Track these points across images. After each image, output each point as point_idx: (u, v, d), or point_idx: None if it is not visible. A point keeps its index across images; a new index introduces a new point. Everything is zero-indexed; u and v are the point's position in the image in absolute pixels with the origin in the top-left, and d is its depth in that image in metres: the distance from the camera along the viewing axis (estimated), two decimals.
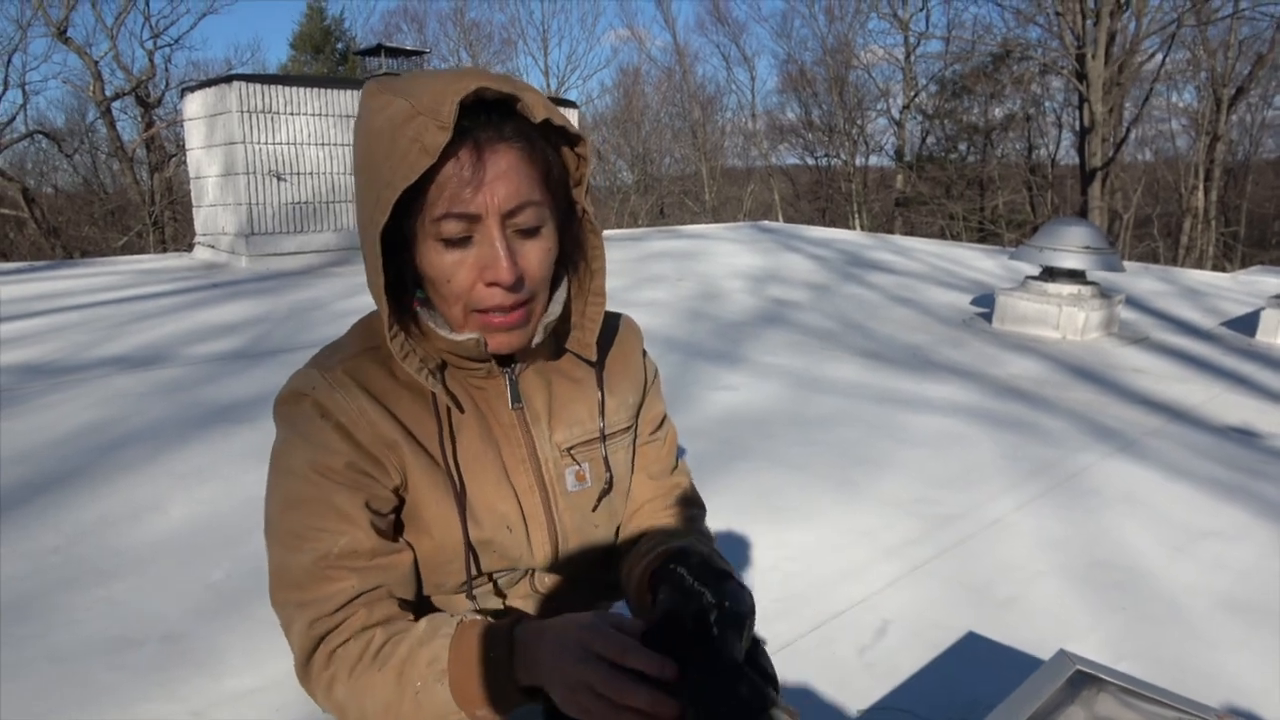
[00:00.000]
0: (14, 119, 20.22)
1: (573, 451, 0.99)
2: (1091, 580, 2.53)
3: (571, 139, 0.87)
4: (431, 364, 0.89)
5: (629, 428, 1.05)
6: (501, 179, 0.80)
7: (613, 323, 1.08)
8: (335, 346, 0.94)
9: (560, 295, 0.93)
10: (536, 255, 0.85)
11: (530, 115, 0.81)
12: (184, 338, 5.36)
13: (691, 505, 1.11)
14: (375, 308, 0.87)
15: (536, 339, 0.91)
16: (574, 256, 0.94)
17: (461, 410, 0.93)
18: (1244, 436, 3.87)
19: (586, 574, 1.04)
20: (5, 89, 21.89)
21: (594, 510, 1.01)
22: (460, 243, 0.82)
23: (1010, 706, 1.39)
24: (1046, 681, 1.46)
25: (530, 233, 0.84)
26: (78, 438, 3.54)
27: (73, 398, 4.07)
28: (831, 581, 2.48)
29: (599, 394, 1.01)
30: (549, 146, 0.85)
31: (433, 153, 0.76)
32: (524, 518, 0.95)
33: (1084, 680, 1.47)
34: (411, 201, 0.80)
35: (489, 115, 0.80)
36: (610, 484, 1.01)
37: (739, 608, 0.75)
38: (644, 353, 1.11)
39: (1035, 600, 2.40)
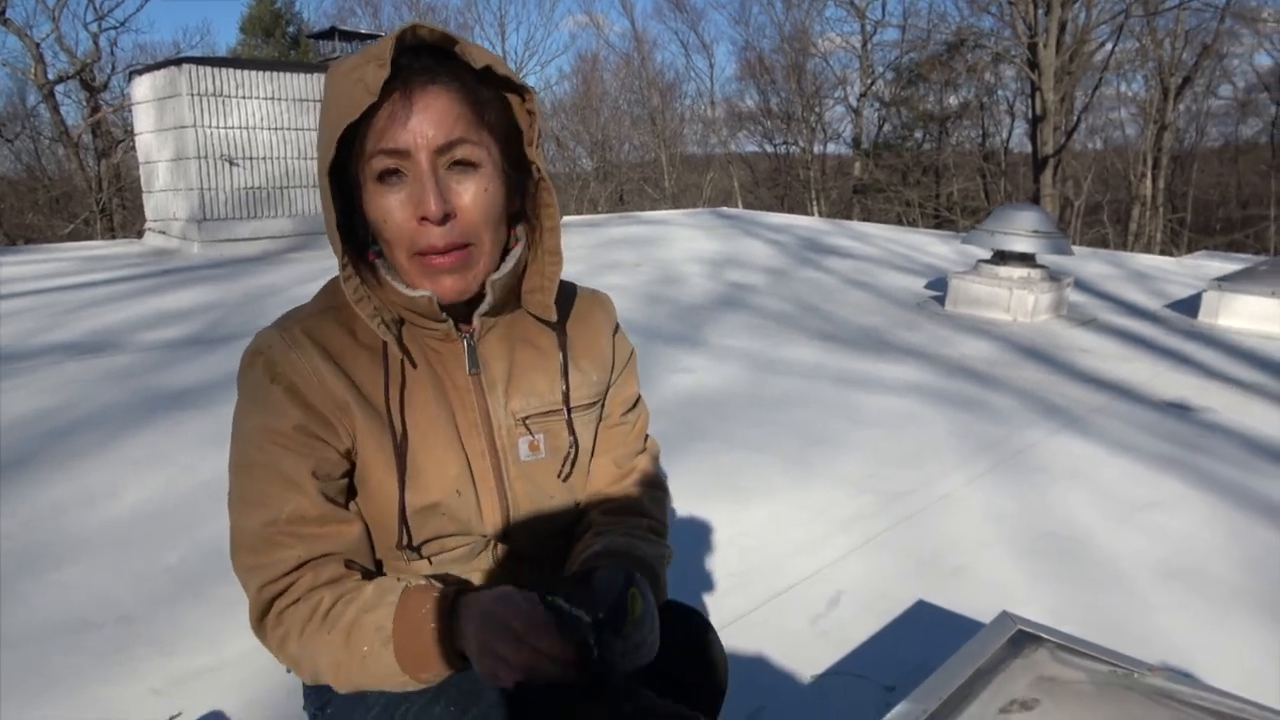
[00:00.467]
0: None
1: (528, 421, 0.99)
2: (1037, 550, 2.61)
3: (518, 89, 0.88)
4: (388, 315, 0.91)
5: (593, 404, 1.05)
6: (431, 116, 0.82)
7: (579, 294, 1.09)
8: (299, 307, 0.96)
9: (515, 253, 0.94)
10: (471, 192, 0.86)
11: (469, 60, 0.84)
12: (135, 324, 5.27)
13: (652, 487, 1.12)
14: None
15: (488, 299, 0.92)
16: (530, 217, 0.96)
17: (414, 366, 0.94)
18: (1182, 411, 4.00)
19: (548, 547, 1.05)
20: None
21: (558, 478, 1.01)
22: (394, 181, 0.84)
23: (953, 665, 1.45)
24: (989, 641, 1.52)
25: (465, 170, 0.85)
26: (28, 424, 3.48)
27: (21, 385, 4.00)
28: (786, 556, 2.54)
29: (560, 357, 1.01)
30: (494, 96, 0.87)
31: (373, 89, 0.80)
32: (474, 482, 0.96)
33: (1025, 639, 1.53)
34: (358, 152, 0.84)
35: (425, 60, 0.83)
36: (575, 451, 1.02)
37: (611, 605, 0.79)
38: (616, 331, 1.11)
39: (982, 570, 2.48)
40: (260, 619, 0.90)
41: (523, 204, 0.94)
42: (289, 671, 0.92)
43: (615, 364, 1.09)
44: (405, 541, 0.93)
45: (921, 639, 2.11)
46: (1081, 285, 7.24)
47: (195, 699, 1.85)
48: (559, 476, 1.01)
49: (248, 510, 0.89)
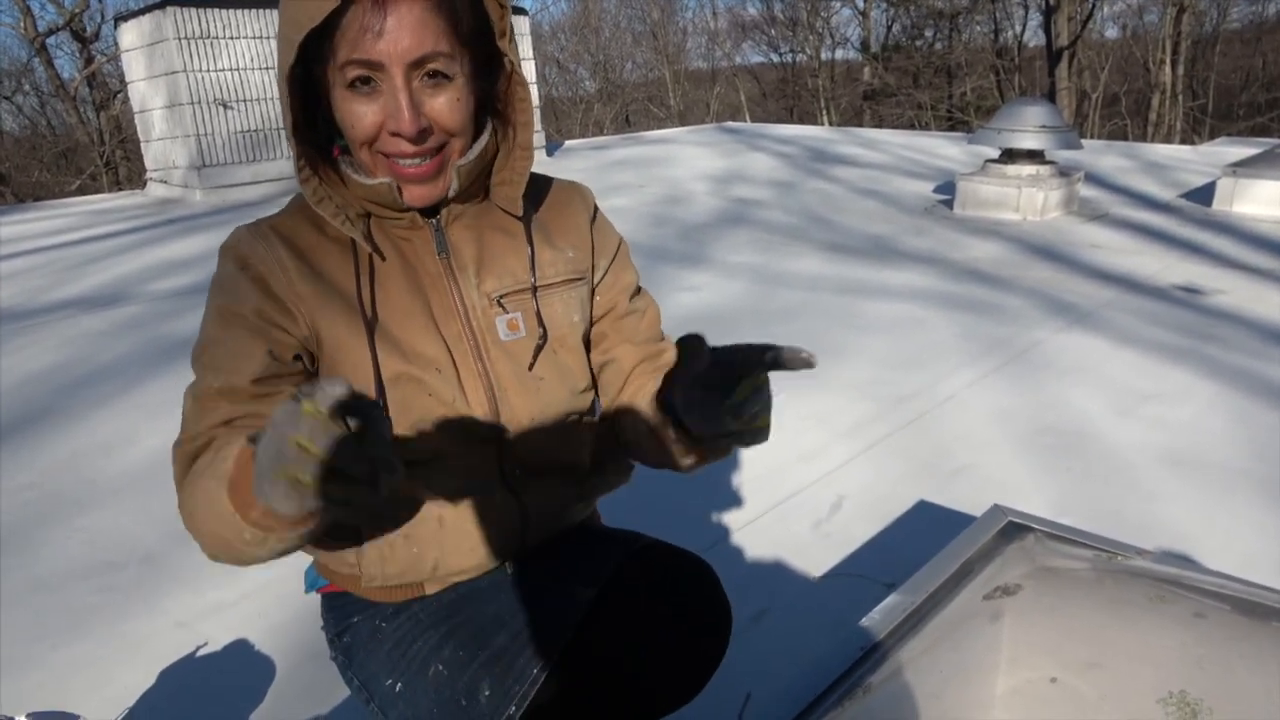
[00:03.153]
0: None
1: (503, 301, 0.98)
2: (1040, 446, 2.62)
3: None
4: (352, 212, 0.91)
5: (571, 280, 1.03)
6: (405, 28, 0.81)
7: (556, 183, 1.08)
8: (267, 216, 0.98)
9: (480, 142, 0.93)
10: (445, 104, 0.85)
11: None
12: (143, 275, 5.31)
13: (669, 351, 1.09)
14: None
15: (453, 187, 0.92)
16: (503, 112, 0.95)
17: (383, 258, 0.94)
18: (1191, 295, 3.96)
19: (555, 452, 1.03)
20: None
21: (533, 360, 0.99)
22: (366, 89, 0.84)
23: (942, 558, 1.48)
24: (979, 533, 1.55)
25: (439, 81, 0.84)
26: (45, 378, 3.54)
27: (36, 340, 4.06)
28: (789, 464, 2.57)
29: (528, 246, 1.00)
30: None
31: None
32: (454, 363, 0.95)
33: (1015, 530, 1.55)
34: (325, 54, 0.83)
35: None
36: (544, 337, 1.00)
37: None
38: (595, 216, 1.09)
39: (984, 468, 2.50)
40: (180, 484, 0.86)
41: (490, 97, 0.93)
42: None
43: (597, 247, 1.07)
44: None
45: (921, 538, 2.15)
46: (1094, 179, 7.10)
47: (218, 630, 1.93)
48: (533, 357, 0.99)
49: (191, 389, 0.91)
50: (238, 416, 0.88)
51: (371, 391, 0.92)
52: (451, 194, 0.93)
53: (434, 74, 0.84)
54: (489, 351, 0.97)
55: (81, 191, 19.66)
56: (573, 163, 9.66)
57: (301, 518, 0.67)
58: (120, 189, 18.88)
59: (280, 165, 8.43)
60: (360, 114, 0.84)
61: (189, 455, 0.87)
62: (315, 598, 1.15)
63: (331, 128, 0.90)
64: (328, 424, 0.59)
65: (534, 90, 10.43)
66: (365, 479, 0.63)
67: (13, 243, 6.60)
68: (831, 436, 2.73)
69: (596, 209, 1.10)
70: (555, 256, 1.02)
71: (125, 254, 5.99)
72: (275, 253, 0.91)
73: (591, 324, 1.08)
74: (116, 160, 19.68)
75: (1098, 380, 3.09)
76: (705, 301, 4.26)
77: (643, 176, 8.50)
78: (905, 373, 3.22)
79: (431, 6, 0.82)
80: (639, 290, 1.13)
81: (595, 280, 1.08)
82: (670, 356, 1.07)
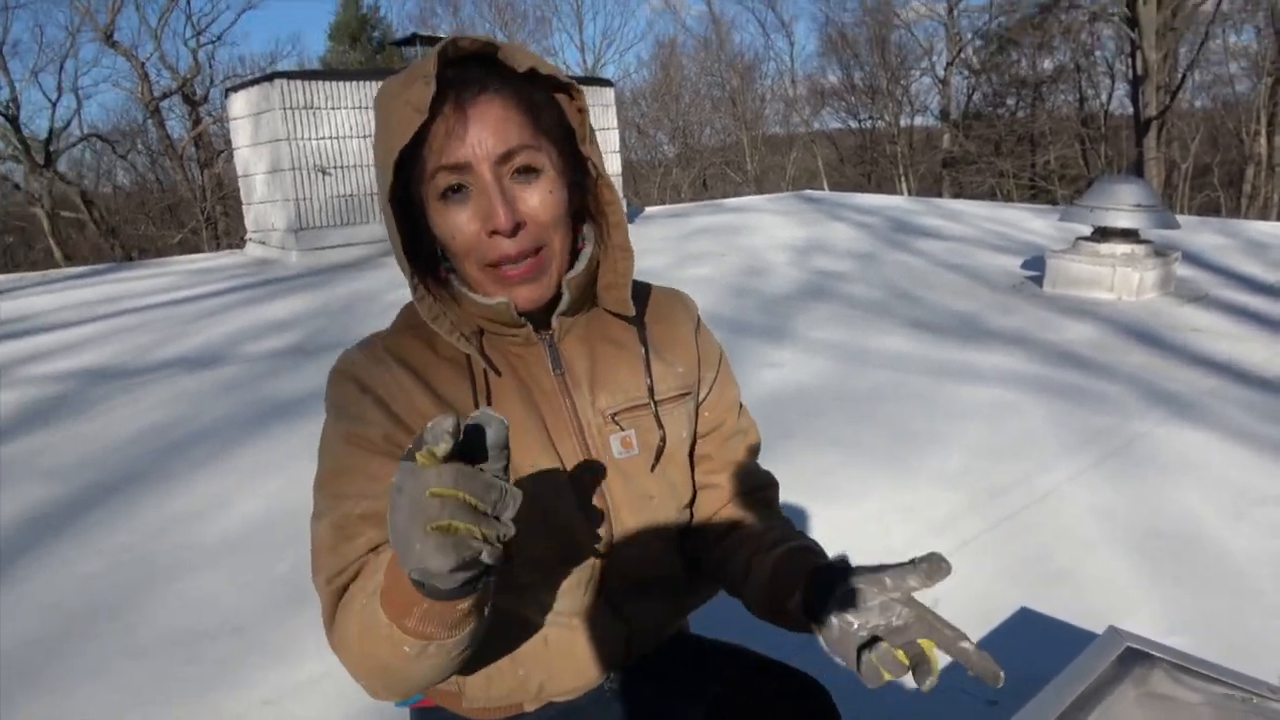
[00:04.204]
0: (70, 123, 20.73)
1: (617, 418, 0.97)
2: (1146, 551, 2.50)
3: (564, 88, 0.88)
4: (467, 329, 0.91)
5: (681, 396, 1.03)
6: (487, 126, 0.82)
7: (656, 290, 1.08)
8: (380, 331, 0.98)
9: (586, 251, 0.93)
10: (537, 198, 0.85)
11: (513, 64, 0.83)
12: (241, 336, 5.51)
13: (770, 487, 1.12)
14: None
15: (564, 299, 0.91)
16: (594, 215, 0.95)
17: (499, 374, 0.94)
18: None
19: (657, 570, 1.03)
20: (60, 95, 22.45)
21: (650, 474, 0.98)
22: (458, 196, 0.84)
23: (1059, 686, 1.40)
24: (1096, 659, 1.46)
25: (528, 176, 0.85)
26: (144, 439, 3.67)
27: (138, 399, 4.22)
28: (879, 559, 2.48)
29: (642, 351, 0.99)
30: (543, 97, 0.87)
31: (421, 109, 0.79)
32: (569, 482, 0.94)
33: (1134, 657, 1.47)
34: (418, 172, 0.84)
35: (472, 71, 0.83)
36: (663, 442, 0.99)
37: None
38: (699, 326, 1.08)
39: (1087, 573, 2.39)
40: (331, 621, 0.85)
41: (584, 202, 0.94)
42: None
43: (703, 359, 1.07)
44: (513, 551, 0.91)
45: (1024, 650, 2.04)
46: (1191, 258, 6.88)
47: (304, 708, 1.93)
48: (651, 470, 0.99)
49: (322, 514, 0.88)
50: (384, 542, 0.85)
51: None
52: (563, 308, 0.92)
53: (523, 169, 0.84)
54: (604, 469, 0.96)
55: (183, 244, 20.66)
56: (653, 230, 9.78)
57: (460, 612, 0.69)
58: (219, 243, 19.79)
59: (372, 229, 8.72)
60: (457, 222, 0.84)
61: (340, 588, 0.85)
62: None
63: (435, 248, 0.91)
64: (452, 465, 0.60)
65: (616, 158, 10.64)
66: (495, 509, 0.62)
67: (120, 300, 6.93)
68: (923, 530, 2.65)
69: (700, 319, 1.10)
70: (666, 371, 1.01)
71: (223, 314, 6.23)
72: (392, 373, 0.91)
73: (695, 439, 1.07)
74: (216, 215, 20.66)
75: (1206, 478, 2.95)
76: (788, 379, 4.22)
77: (723, 245, 8.54)
78: (999, 463, 3.11)
79: (510, 103, 0.83)
80: (741, 407, 1.12)
81: (702, 394, 1.07)
82: (765, 485, 1.11)
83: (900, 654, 0.79)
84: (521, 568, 0.93)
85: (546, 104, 0.87)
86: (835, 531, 2.65)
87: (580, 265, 0.92)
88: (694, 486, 1.07)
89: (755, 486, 1.09)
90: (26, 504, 3.08)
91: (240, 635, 2.24)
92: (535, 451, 0.93)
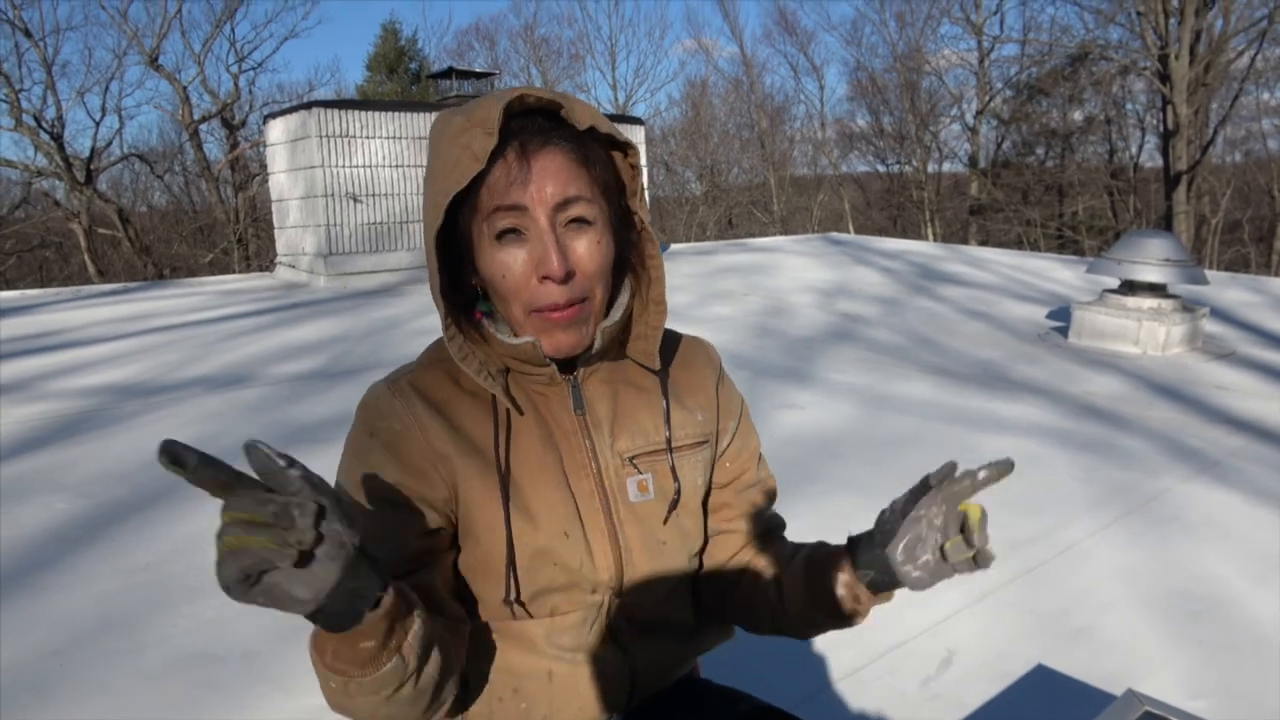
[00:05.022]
0: (111, 143, 21.23)
1: (635, 461, 0.99)
2: (1166, 610, 2.46)
3: (621, 146, 0.91)
4: (493, 368, 0.93)
5: (699, 444, 1.04)
6: (548, 175, 0.85)
7: (681, 340, 1.10)
8: (408, 364, 1.00)
9: (621, 301, 0.96)
10: (587, 248, 0.88)
11: (575, 121, 0.86)
12: (268, 357, 5.57)
13: (781, 527, 1.14)
14: None
15: (596, 344, 0.93)
16: (635, 267, 0.98)
17: (521, 412, 0.96)
18: None
19: (665, 613, 1.04)
20: (104, 115, 23.07)
21: (663, 524, 1.00)
22: (513, 238, 0.86)
23: None
24: None
25: (581, 227, 0.87)
26: None
27: (164, 417, 4.27)
28: (895, 608, 2.45)
29: (664, 402, 1.02)
30: (600, 153, 0.90)
31: (481, 157, 0.83)
32: (582, 523, 0.95)
33: None
34: (471, 210, 0.87)
35: (536, 122, 0.86)
36: (678, 494, 1.01)
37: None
38: (721, 376, 1.10)
39: (1107, 632, 2.35)
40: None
41: (626, 254, 0.96)
42: None
43: (726, 409, 1.08)
44: (514, 594, 0.93)
45: (1040, 709, 2.01)
46: (1219, 314, 6.82)
47: None
48: (664, 521, 1.00)
49: None
50: None
51: (503, 568, 0.93)
52: (595, 350, 0.94)
53: (577, 219, 0.87)
54: (619, 512, 0.98)
55: (214, 264, 20.98)
56: (679, 266, 9.82)
57: (365, 651, 0.74)
58: (249, 264, 20.08)
59: (399, 257, 8.82)
60: (509, 262, 0.87)
61: None
62: None
63: (471, 290, 0.93)
64: (231, 491, 0.63)
65: (645, 194, 10.72)
66: (277, 520, 0.63)
67: (150, 318, 7.03)
68: (943, 583, 2.61)
69: (722, 369, 1.12)
70: (685, 418, 1.03)
71: (251, 335, 6.31)
72: (413, 409, 0.93)
73: (711, 487, 1.08)
74: (247, 237, 20.99)
75: (1230, 539, 2.90)
76: (810, 421, 4.20)
77: (747, 285, 8.57)
78: (1021, 516, 3.08)
79: (571, 156, 0.87)
80: (760, 457, 1.13)
81: (723, 444, 1.08)
82: (778, 526, 1.13)
83: (958, 543, 0.86)
84: (529, 602, 0.95)
85: (602, 159, 0.90)
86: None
87: (616, 315, 0.95)
88: (705, 534, 1.08)
89: (769, 529, 1.12)
90: (49, 518, 3.11)
91: (251, 661, 2.25)
92: (550, 491, 0.95)
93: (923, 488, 0.86)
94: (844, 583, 0.96)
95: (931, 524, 0.86)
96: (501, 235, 0.86)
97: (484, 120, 0.83)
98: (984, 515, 0.85)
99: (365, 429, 0.94)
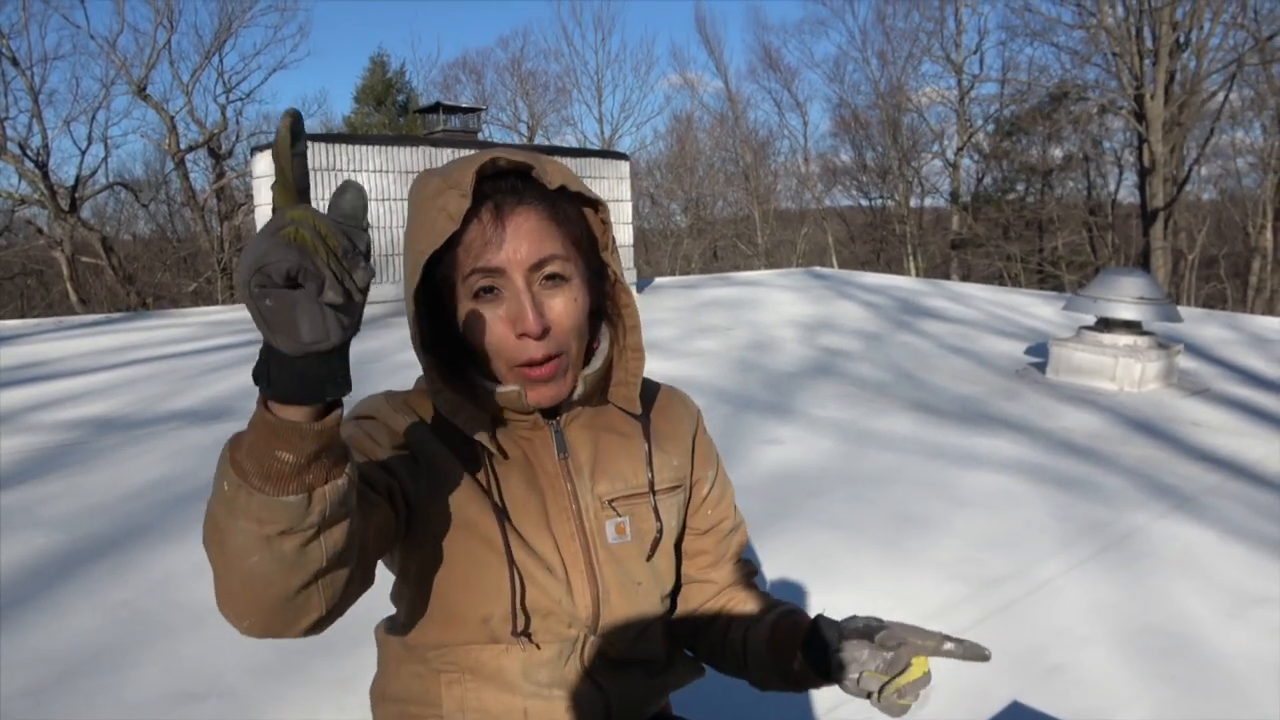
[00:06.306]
0: (96, 171, 21.20)
1: (614, 504, 1.02)
2: (1138, 647, 2.49)
3: (591, 203, 0.96)
4: (482, 418, 0.96)
5: (674, 488, 1.07)
6: (522, 236, 0.89)
7: (659, 389, 1.14)
8: (398, 390, 1.05)
9: (602, 349, 1.00)
10: (563, 306, 0.91)
11: (546, 181, 0.90)
12: (250, 391, 5.54)
13: (754, 574, 1.18)
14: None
15: (578, 391, 0.97)
16: (611, 316, 1.02)
17: (506, 457, 0.99)
18: None
19: (637, 651, 1.06)
20: (89, 143, 23.04)
21: (645, 561, 1.03)
22: (490, 297, 0.90)
23: None
24: None
25: (556, 283, 0.91)
26: (148, 492, 3.70)
27: (144, 452, 4.25)
28: None
29: (645, 445, 1.05)
30: (572, 210, 0.94)
31: (455, 218, 0.87)
32: (564, 563, 0.98)
33: None
34: (449, 271, 0.90)
35: (509, 183, 0.90)
36: (660, 534, 1.04)
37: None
38: (698, 424, 1.14)
39: (1080, 669, 2.38)
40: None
41: (601, 304, 1.00)
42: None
43: (703, 458, 1.12)
44: (522, 627, 0.95)
45: None
46: (1194, 350, 6.93)
47: None
48: (645, 559, 1.04)
49: None
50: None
51: (498, 610, 0.95)
52: (576, 398, 0.98)
53: (552, 276, 0.91)
54: (598, 554, 1.01)
55: (196, 293, 20.90)
56: (663, 300, 9.89)
57: (276, 463, 0.66)
58: (232, 294, 20.01)
59: (384, 290, 8.84)
60: (488, 321, 0.91)
61: None
62: None
63: (455, 341, 0.96)
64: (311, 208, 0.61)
65: (629, 228, 10.81)
66: (344, 254, 0.61)
67: (132, 349, 7.01)
68: (918, 618, 2.62)
69: (700, 420, 1.15)
70: (664, 461, 1.07)
71: (233, 368, 6.29)
72: (412, 420, 0.98)
73: (686, 531, 1.12)
74: (232, 267, 20.94)
75: (1203, 576, 2.94)
76: (791, 457, 4.23)
77: (731, 319, 8.63)
78: (996, 552, 3.11)
79: (545, 216, 0.91)
80: (735, 507, 1.17)
81: (703, 491, 1.12)
82: (751, 572, 1.18)
83: (900, 685, 0.91)
84: (506, 637, 0.97)
85: (574, 216, 0.94)
86: (832, 615, 2.64)
87: (597, 363, 0.99)
88: (678, 577, 1.12)
89: (743, 575, 1.16)
90: (27, 552, 3.09)
91: (229, 699, 2.24)
92: (533, 531, 0.98)
93: (905, 626, 0.93)
94: (801, 662, 1.02)
95: (881, 653, 0.92)
96: (479, 295, 0.90)
97: (459, 182, 0.87)
98: (926, 678, 0.91)
99: (370, 409, 0.99)
